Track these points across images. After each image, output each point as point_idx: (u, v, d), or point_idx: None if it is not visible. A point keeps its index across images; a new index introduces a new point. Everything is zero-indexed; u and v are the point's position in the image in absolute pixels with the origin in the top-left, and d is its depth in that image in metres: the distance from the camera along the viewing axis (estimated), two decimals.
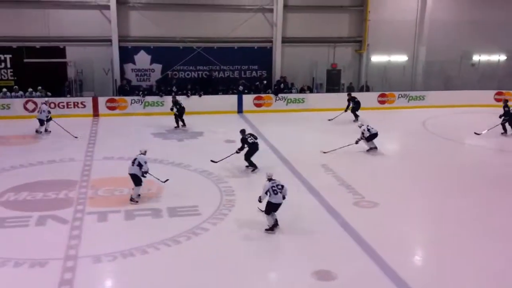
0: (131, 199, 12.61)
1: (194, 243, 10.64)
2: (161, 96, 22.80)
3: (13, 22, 22.58)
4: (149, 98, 22.70)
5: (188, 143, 18.50)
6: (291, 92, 24.44)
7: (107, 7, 23.05)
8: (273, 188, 10.91)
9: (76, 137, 18.30)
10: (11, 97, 21.60)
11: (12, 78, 22.95)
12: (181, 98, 21.32)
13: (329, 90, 26.03)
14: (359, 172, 15.26)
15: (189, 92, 23.12)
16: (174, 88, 23.33)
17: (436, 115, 23.62)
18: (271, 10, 25.24)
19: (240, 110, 23.62)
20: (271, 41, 25.66)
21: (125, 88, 23.09)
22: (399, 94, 25.42)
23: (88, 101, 21.99)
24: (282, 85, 24.57)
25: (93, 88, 23.42)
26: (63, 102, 21.64)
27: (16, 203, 12.54)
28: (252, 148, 15.11)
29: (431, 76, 27.08)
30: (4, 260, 9.71)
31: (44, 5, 22.69)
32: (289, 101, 24.18)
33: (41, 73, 22.61)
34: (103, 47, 23.56)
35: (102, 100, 22.10)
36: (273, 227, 11.05)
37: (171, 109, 20.40)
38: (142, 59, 24.37)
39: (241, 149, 15.14)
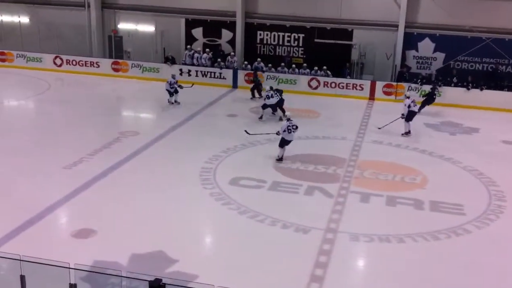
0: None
1: (453, 243, 10.33)
2: (440, 85, 22.08)
3: (310, 4, 24.27)
4: (427, 87, 22.17)
5: (460, 138, 17.67)
6: None
7: None
8: (289, 127, 14.05)
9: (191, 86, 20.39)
10: (298, 73, 23.51)
11: (302, 56, 24.93)
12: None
13: None
14: None
15: (470, 84, 21.88)
16: (454, 79, 22.39)
17: None
18: None
19: None
20: None
21: (404, 76, 23.02)
22: None
23: (367, 84, 22.55)
24: None
25: (373, 72, 23.93)
26: (343, 83, 22.62)
27: (291, 171, 13.82)
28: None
29: None
30: (274, 220, 10.88)
31: None
32: None
33: (327, 54, 23.95)
34: (388, 32, 23.76)
35: (379, 85, 22.43)
36: (281, 159, 14.21)
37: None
38: (426, 46, 23.86)
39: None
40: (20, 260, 6.56)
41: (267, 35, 25.38)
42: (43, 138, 15.91)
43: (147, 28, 26.18)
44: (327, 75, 23.07)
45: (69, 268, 6.63)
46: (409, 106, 17.15)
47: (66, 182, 12.31)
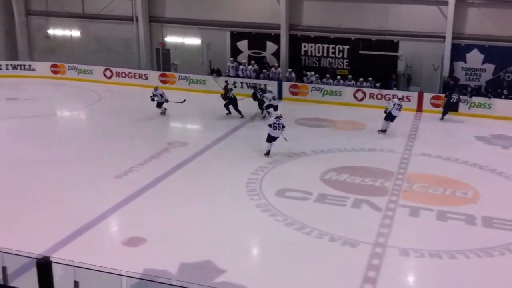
0: None
1: (507, 260, 10.01)
2: (490, 97, 21.55)
3: (355, 15, 24.14)
4: (476, 99, 21.69)
5: None
6: None
7: (445, 3, 22.66)
8: (274, 124, 15.22)
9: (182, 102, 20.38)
10: (343, 85, 23.38)
11: (347, 67, 24.76)
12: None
13: None
14: None
15: None
16: (504, 91, 21.81)
17: None
18: None
19: None
20: None
21: (449, 86, 22.57)
22: None
23: (414, 95, 22.20)
24: None
25: (419, 83, 23.58)
26: (389, 95, 22.35)
27: (337, 183, 13.70)
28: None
29: None
30: (321, 233, 10.80)
31: (386, 0, 23.69)
32: None
33: (373, 65, 23.72)
34: (435, 43, 23.37)
35: (427, 96, 22.08)
36: (268, 153, 15.25)
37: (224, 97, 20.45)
38: (474, 57, 23.34)
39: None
40: (74, 266, 6.71)
41: (311, 47, 25.36)
42: (94, 147, 16.31)
43: (194, 41, 26.60)
44: (375, 87, 22.85)
45: (121, 275, 6.75)
46: (394, 105, 18.07)
47: (117, 191, 12.59)
